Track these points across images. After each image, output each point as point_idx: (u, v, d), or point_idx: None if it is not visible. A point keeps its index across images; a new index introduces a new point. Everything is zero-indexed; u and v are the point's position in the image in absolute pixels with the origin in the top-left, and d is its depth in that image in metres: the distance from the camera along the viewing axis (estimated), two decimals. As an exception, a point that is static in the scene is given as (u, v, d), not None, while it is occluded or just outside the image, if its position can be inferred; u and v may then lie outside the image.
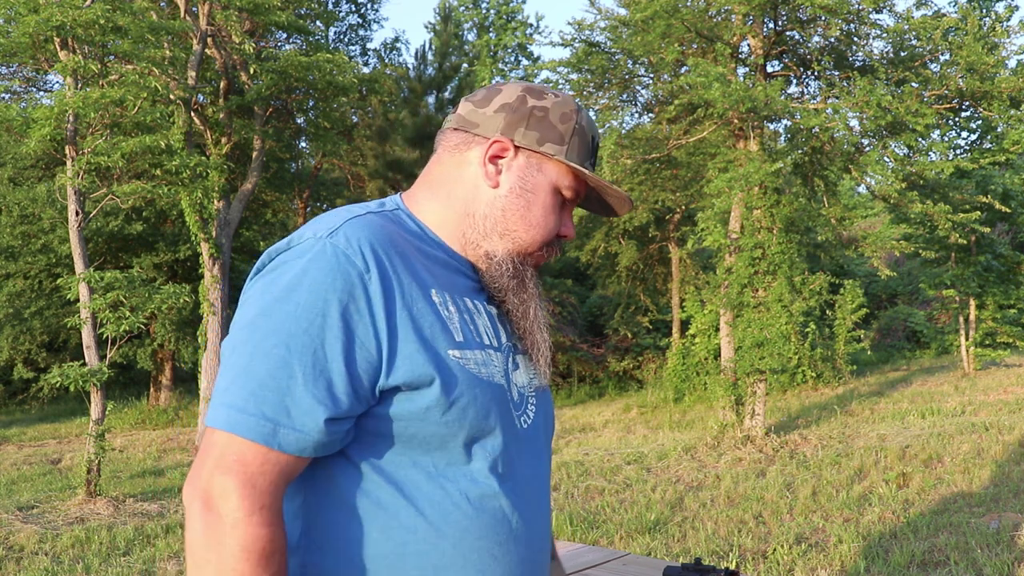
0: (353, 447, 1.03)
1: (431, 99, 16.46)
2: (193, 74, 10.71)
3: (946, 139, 11.54)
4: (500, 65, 32.66)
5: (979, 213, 8.70)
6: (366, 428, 1.02)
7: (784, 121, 8.82)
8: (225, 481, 0.94)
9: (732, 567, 4.19)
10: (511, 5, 33.16)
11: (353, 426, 1.01)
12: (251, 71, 11.73)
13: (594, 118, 1.22)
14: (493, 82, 1.22)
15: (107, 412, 6.94)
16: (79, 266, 6.97)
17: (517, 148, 1.13)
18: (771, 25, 8.65)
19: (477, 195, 1.14)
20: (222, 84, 11.95)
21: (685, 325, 15.40)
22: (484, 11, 33.22)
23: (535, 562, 1.12)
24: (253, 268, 1.08)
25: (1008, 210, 10.81)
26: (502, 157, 1.13)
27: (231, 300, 11.74)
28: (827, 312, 14.93)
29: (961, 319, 13.38)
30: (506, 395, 1.09)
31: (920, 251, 10.72)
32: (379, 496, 1.02)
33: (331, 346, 0.97)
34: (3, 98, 16.30)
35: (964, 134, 13.83)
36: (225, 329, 10.93)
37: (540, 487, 1.16)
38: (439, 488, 1.03)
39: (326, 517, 1.03)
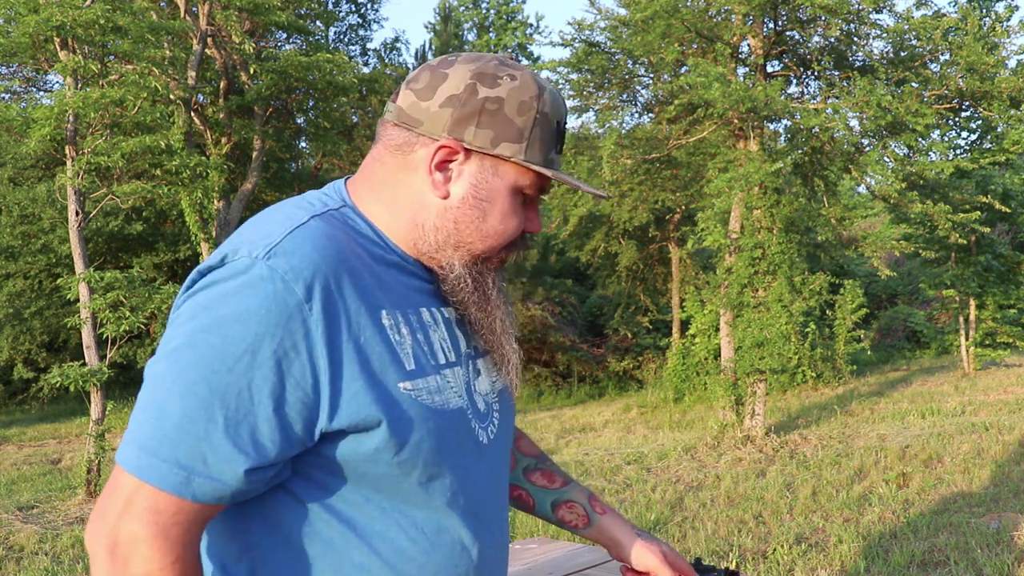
0: (300, 485, 0.94)
1: (431, 99, 16.44)
2: (193, 74, 10.71)
3: (946, 139, 11.54)
4: (500, 65, 32.63)
5: (979, 213, 8.70)
6: (313, 465, 0.94)
7: (784, 121, 8.82)
8: (135, 529, 0.85)
9: (732, 567, 4.19)
10: (511, 5, 33.16)
11: (284, 469, 0.93)
12: (251, 71, 11.74)
13: (563, 96, 1.03)
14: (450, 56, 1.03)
15: (107, 412, 6.94)
16: (79, 266, 6.97)
17: (468, 151, 0.98)
18: (771, 25, 8.65)
19: (425, 204, 1.00)
20: (222, 84, 11.96)
21: (685, 325, 15.40)
22: (484, 11, 33.22)
23: None
24: (184, 282, 0.96)
25: (1008, 210, 10.81)
26: (451, 161, 0.98)
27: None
28: (827, 312, 14.93)
29: (961, 319, 13.39)
30: (465, 416, 1.01)
31: (920, 251, 10.72)
32: (329, 535, 0.95)
33: (259, 388, 0.86)
34: (3, 98, 16.30)
35: (964, 134, 13.83)
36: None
37: (500, 499, 1.10)
38: (394, 524, 0.96)
39: (274, 558, 0.96)
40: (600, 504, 1.32)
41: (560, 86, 9.38)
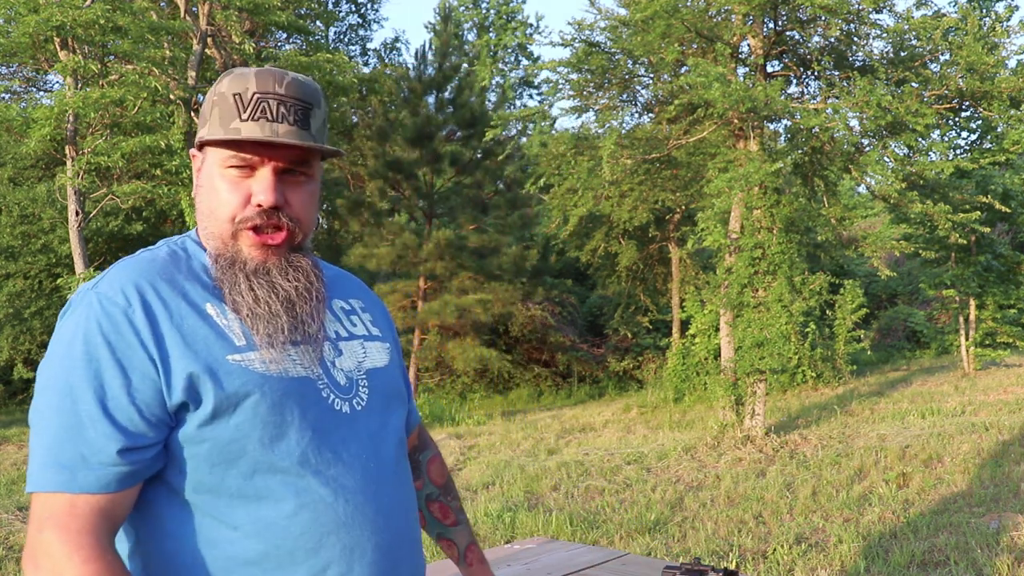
0: (168, 475, 1.07)
1: (431, 99, 16.43)
2: (193, 74, 10.71)
3: (946, 139, 11.53)
4: (500, 65, 32.66)
5: (979, 213, 8.69)
6: (174, 454, 1.06)
7: (784, 121, 8.82)
8: (44, 536, 0.99)
9: (732, 567, 4.19)
10: (511, 5, 33.16)
11: (161, 452, 1.06)
12: (251, 71, 11.73)
13: (272, 73, 1.14)
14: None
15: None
16: (79, 266, 6.97)
17: (200, 151, 1.16)
18: (771, 25, 8.65)
19: (198, 209, 1.18)
20: (222, 84, 11.95)
21: (685, 325, 15.39)
22: (484, 11, 33.21)
23: (379, 541, 1.13)
24: None
25: (1008, 210, 10.80)
26: (199, 169, 1.16)
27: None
28: (827, 312, 14.92)
29: (961, 319, 13.38)
30: (314, 385, 1.11)
31: (920, 251, 10.71)
32: (198, 520, 1.06)
33: (110, 383, 1.02)
34: (3, 98, 16.29)
35: (964, 134, 13.82)
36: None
37: (381, 465, 1.17)
38: (253, 496, 1.06)
39: (158, 550, 1.08)
40: (475, 555, 1.48)
41: (560, 86, 9.37)
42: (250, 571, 1.06)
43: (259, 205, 1.11)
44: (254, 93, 1.10)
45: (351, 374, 1.18)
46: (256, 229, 1.11)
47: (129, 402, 1.02)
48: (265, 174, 1.11)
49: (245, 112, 1.10)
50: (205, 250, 1.15)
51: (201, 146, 1.16)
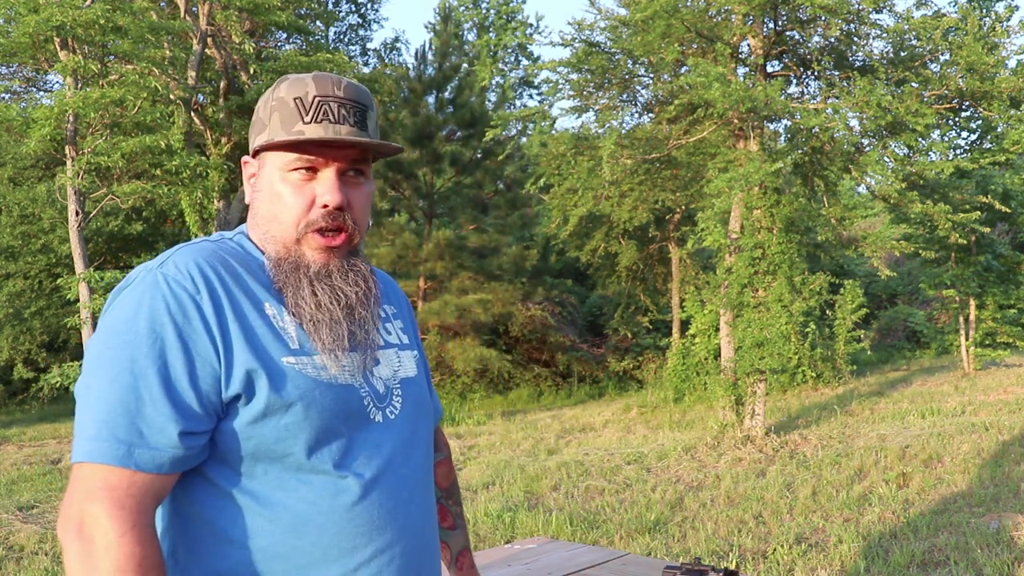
0: (208, 465, 1.08)
1: (431, 99, 16.44)
2: (193, 74, 10.70)
3: (946, 139, 11.53)
4: (500, 65, 32.66)
5: (979, 213, 8.69)
6: (217, 445, 1.07)
7: (784, 121, 8.82)
8: (94, 508, 0.98)
9: (732, 567, 4.19)
10: (511, 5, 33.15)
11: (209, 441, 1.07)
12: (251, 71, 11.74)
13: (331, 78, 0.96)
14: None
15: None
16: (79, 266, 6.97)
17: (256, 159, 1.18)
18: (771, 25, 8.65)
19: (253, 214, 1.19)
20: (222, 84, 11.95)
21: (685, 325, 15.39)
22: (484, 11, 33.21)
23: (407, 546, 1.16)
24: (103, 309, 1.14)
25: (1008, 210, 10.80)
26: (253, 174, 1.19)
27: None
28: (827, 312, 14.92)
29: (961, 319, 13.38)
30: (357, 393, 1.13)
31: (920, 251, 10.71)
32: (234, 509, 1.07)
33: (173, 365, 1.02)
34: (3, 98, 16.30)
35: (964, 134, 13.83)
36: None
37: (411, 473, 1.20)
38: (292, 492, 1.08)
39: (189, 535, 1.09)
40: (466, 561, 1.51)
41: (560, 86, 9.36)
42: (279, 565, 1.07)
43: (325, 206, 1.13)
44: (315, 96, 1.13)
45: (388, 383, 1.20)
46: (320, 231, 1.13)
47: (191, 386, 1.03)
48: (328, 175, 1.13)
49: (308, 115, 1.12)
50: (263, 252, 1.17)
51: (256, 152, 1.18)
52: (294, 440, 1.06)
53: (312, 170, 1.13)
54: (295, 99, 1.12)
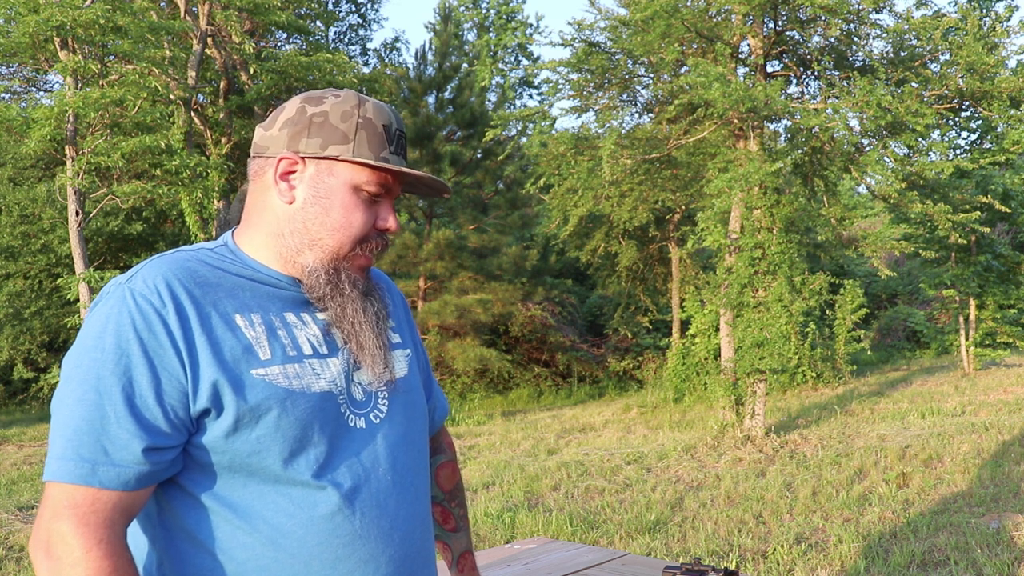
0: (187, 478, 1.08)
1: (431, 99, 16.44)
2: (193, 74, 10.70)
3: (946, 139, 11.54)
4: (500, 65, 32.66)
5: (979, 213, 8.69)
6: (194, 458, 1.08)
7: (784, 121, 8.82)
8: (60, 526, 1.00)
9: (732, 567, 4.19)
10: (511, 5, 33.15)
11: (180, 455, 1.07)
12: (251, 71, 11.73)
13: (393, 109, 1.10)
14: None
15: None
16: (79, 266, 6.97)
17: (304, 158, 1.15)
18: (771, 25, 8.65)
19: (280, 215, 1.16)
20: (222, 84, 11.95)
21: (685, 325, 15.39)
22: (484, 11, 33.21)
23: (395, 554, 1.16)
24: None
25: (1008, 210, 10.81)
26: (292, 172, 1.16)
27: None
28: (827, 312, 14.92)
29: (961, 319, 13.38)
30: (334, 400, 1.13)
31: (920, 251, 10.71)
32: (215, 522, 1.08)
33: (138, 381, 1.03)
34: (3, 98, 16.30)
35: (964, 134, 13.84)
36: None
37: (398, 478, 1.19)
38: (271, 504, 1.08)
39: (174, 548, 1.09)
40: (468, 563, 1.51)
41: (560, 86, 9.37)
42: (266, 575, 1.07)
43: (387, 229, 1.18)
44: (396, 129, 1.18)
45: (369, 388, 1.19)
46: (371, 250, 1.18)
47: (156, 402, 1.03)
48: (389, 202, 1.19)
49: (392, 145, 1.17)
50: (243, 254, 1.17)
51: (318, 157, 1.16)
52: (268, 452, 1.07)
53: (379, 195, 1.17)
54: (383, 126, 1.16)
